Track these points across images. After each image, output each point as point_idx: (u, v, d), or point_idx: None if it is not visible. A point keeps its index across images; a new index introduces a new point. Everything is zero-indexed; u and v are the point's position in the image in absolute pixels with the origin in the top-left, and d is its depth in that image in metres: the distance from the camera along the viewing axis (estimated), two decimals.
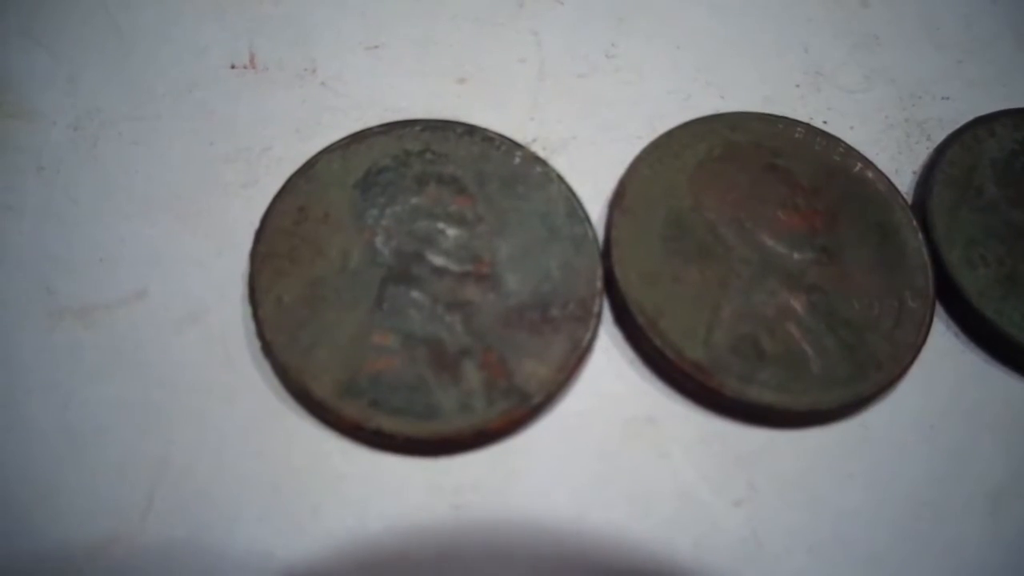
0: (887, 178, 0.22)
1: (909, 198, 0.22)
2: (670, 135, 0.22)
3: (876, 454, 0.19)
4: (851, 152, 0.22)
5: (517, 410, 0.18)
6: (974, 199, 0.22)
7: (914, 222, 0.21)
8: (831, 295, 0.20)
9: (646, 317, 0.19)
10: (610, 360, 0.20)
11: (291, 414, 0.18)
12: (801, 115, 0.23)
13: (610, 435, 0.19)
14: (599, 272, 0.20)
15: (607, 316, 0.20)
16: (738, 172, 0.21)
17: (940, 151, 0.22)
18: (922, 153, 0.23)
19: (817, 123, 0.23)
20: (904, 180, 0.22)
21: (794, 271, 0.20)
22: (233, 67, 0.22)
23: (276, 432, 0.18)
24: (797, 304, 0.20)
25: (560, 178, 0.21)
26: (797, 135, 0.22)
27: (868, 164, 0.22)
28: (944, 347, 0.20)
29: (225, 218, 0.20)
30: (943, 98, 0.24)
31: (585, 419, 0.19)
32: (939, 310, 0.21)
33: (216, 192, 0.20)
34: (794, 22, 0.24)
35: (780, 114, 0.23)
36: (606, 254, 0.20)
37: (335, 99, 0.22)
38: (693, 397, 0.19)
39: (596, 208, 0.21)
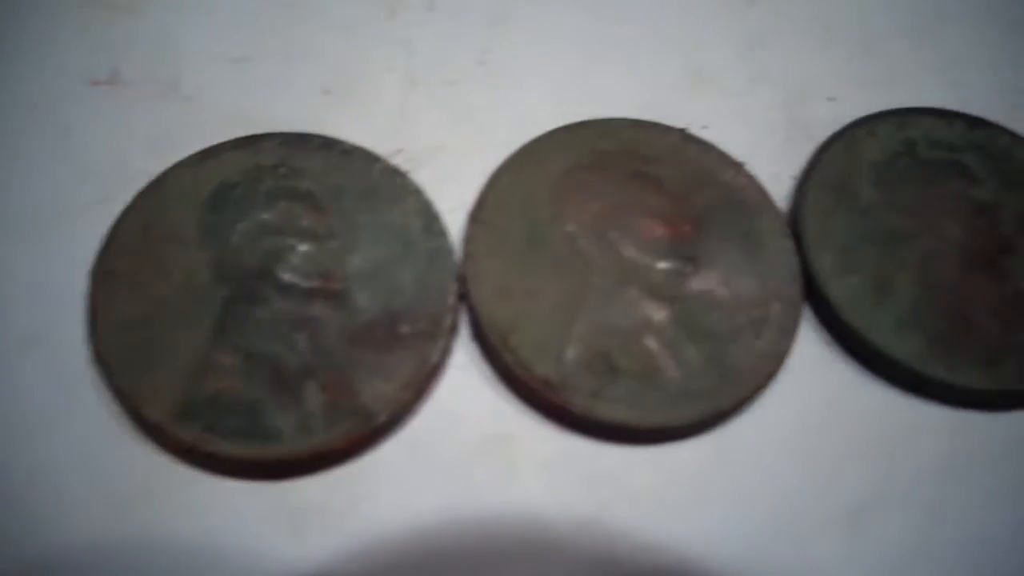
0: (760, 184, 0.21)
1: (787, 203, 0.22)
2: (535, 143, 0.21)
3: (734, 471, 0.18)
4: (724, 158, 0.21)
5: (359, 431, 0.18)
6: (851, 204, 0.21)
7: (786, 229, 0.20)
8: (694, 306, 0.19)
9: (497, 333, 0.19)
10: (466, 377, 0.19)
11: (128, 438, 0.18)
12: (680, 120, 0.22)
13: (461, 455, 0.18)
14: (453, 287, 0.19)
15: (465, 332, 0.20)
16: (604, 181, 0.21)
17: (819, 154, 0.21)
18: (804, 156, 0.22)
19: (696, 128, 0.22)
20: (784, 185, 0.22)
21: (657, 282, 0.20)
22: (94, 83, 0.22)
23: (113, 457, 0.18)
24: (658, 316, 0.19)
25: (419, 190, 0.20)
26: (669, 141, 0.21)
27: (740, 170, 0.21)
28: (814, 358, 0.20)
29: (73, 237, 0.19)
30: (829, 99, 0.23)
31: (435, 439, 0.18)
32: (812, 319, 0.20)
33: (66, 211, 0.20)
34: (678, 24, 0.24)
35: (659, 119, 0.22)
36: (460, 268, 0.20)
37: (197, 113, 0.21)
38: (548, 415, 0.19)
39: (458, 220, 0.20)
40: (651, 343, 0.19)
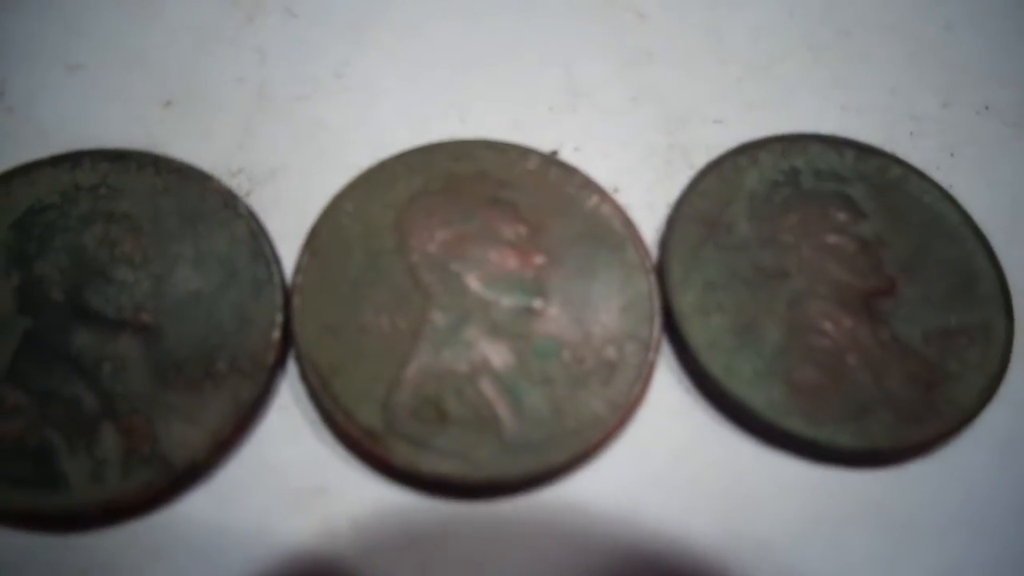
0: (626, 213, 0.19)
1: (659, 234, 0.20)
2: (382, 166, 0.19)
3: (570, 529, 0.17)
4: (589, 184, 0.20)
5: (158, 481, 0.16)
6: (723, 237, 0.19)
7: (648, 263, 0.19)
8: (539, 347, 0.18)
9: (319, 375, 0.17)
10: (288, 421, 0.17)
11: None
12: (550, 141, 0.21)
13: (271, 509, 0.17)
14: (279, 321, 0.18)
15: (293, 371, 0.18)
16: (455, 207, 0.19)
17: (694, 183, 0.20)
18: (682, 183, 0.20)
19: (568, 150, 0.21)
20: (658, 214, 0.20)
21: (500, 320, 0.18)
22: None
23: None
24: (497, 358, 0.18)
25: (251, 214, 0.19)
26: (530, 165, 0.20)
27: (606, 197, 0.19)
28: (670, 405, 0.18)
29: None
30: (715, 121, 0.21)
31: (246, 490, 0.17)
32: (672, 363, 0.19)
33: None
34: (558, 38, 0.22)
35: (528, 140, 0.20)
36: (288, 301, 0.18)
37: (20, 125, 0.20)
38: (371, 465, 0.17)
39: (294, 248, 0.19)
40: (488, 388, 0.17)
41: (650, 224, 0.20)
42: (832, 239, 0.19)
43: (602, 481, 0.17)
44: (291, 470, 0.17)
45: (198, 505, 0.17)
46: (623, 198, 0.20)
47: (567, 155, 0.21)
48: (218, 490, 0.17)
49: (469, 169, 0.20)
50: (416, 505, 0.17)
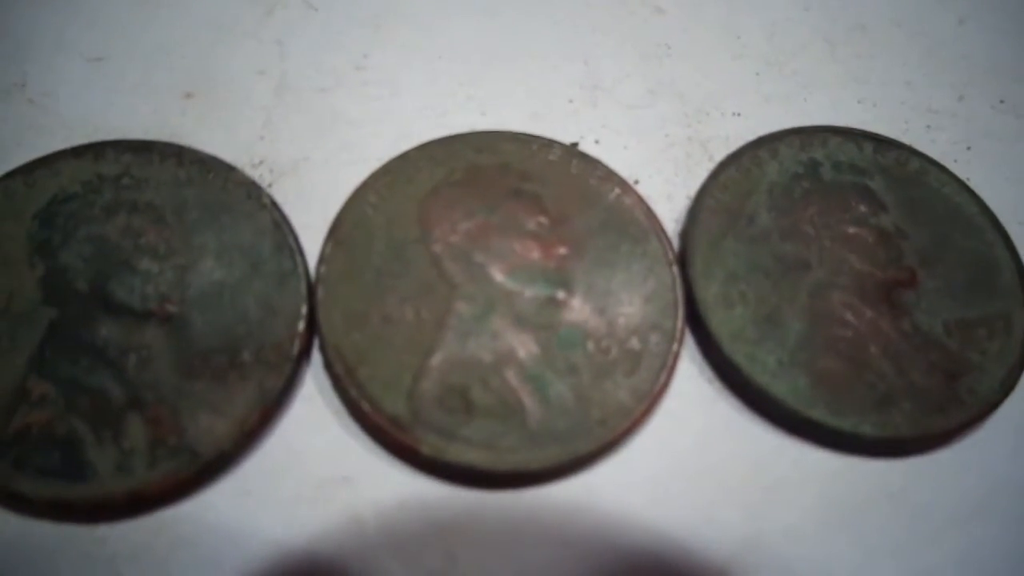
0: (648, 204, 0.19)
1: (680, 226, 0.20)
2: (404, 157, 0.19)
3: (597, 518, 0.17)
4: (611, 176, 0.20)
5: (184, 471, 0.16)
6: (744, 229, 0.19)
7: (671, 254, 0.19)
8: (564, 337, 0.18)
9: (345, 364, 0.17)
10: (312, 411, 0.18)
11: None
12: (570, 134, 0.21)
13: (298, 498, 0.17)
14: (302, 312, 0.18)
15: (317, 361, 0.18)
16: (478, 198, 0.19)
17: (714, 175, 0.20)
18: (702, 175, 0.20)
19: (588, 142, 0.21)
20: (678, 206, 0.20)
21: (524, 310, 0.18)
22: None
23: None
24: (523, 348, 0.18)
25: (275, 205, 0.19)
26: (552, 157, 0.20)
27: (628, 189, 0.20)
28: (693, 395, 0.18)
29: None
30: (734, 114, 0.22)
31: (272, 480, 0.17)
32: (695, 354, 0.19)
33: None
34: (576, 32, 0.22)
35: (549, 132, 0.20)
36: (313, 292, 0.18)
37: (42, 117, 0.20)
38: (397, 454, 0.17)
39: (317, 239, 0.19)
40: (513, 378, 0.17)
41: (671, 216, 0.20)
42: (852, 230, 0.20)
43: (627, 471, 0.17)
44: (316, 460, 0.17)
45: (224, 495, 0.17)
46: (643, 190, 0.20)
47: (587, 148, 0.21)
48: (244, 480, 0.17)
49: (491, 161, 0.20)
50: (441, 495, 0.17)
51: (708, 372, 0.18)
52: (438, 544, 0.17)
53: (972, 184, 0.21)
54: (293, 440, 0.17)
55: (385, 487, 0.17)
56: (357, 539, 0.17)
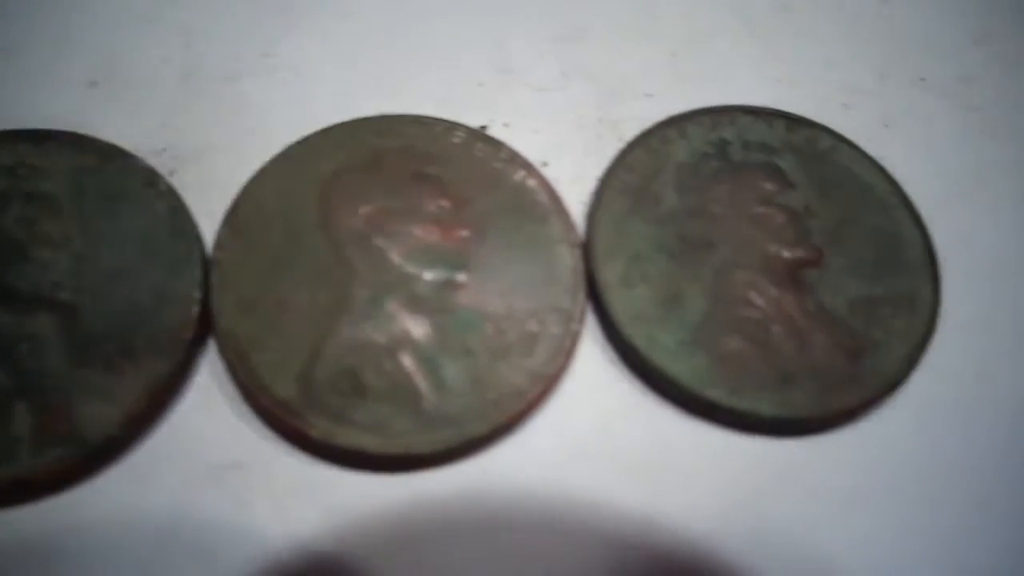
0: (552, 187, 0.19)
1: (587, 207, 0.20)
2: (305, 142, 0.19)
3: (489, 502, 0.17)
4: (515, 158, 0.19)
5: (70, 457, 0.16)
6: (650, 209, 0.19)
7: (574, 236, 0.19)
8: (460, 320, 0.18)
9: (237, 349, 0.17)
10: (207, 398, 0.17)
11: None
12: (479, 117, 0.21)
13: (188, 484, 0.17)
14: (197, 297, 0.18)
15: (214, 348, 0.18)
16: (379, 182, 0.19)
17: (622, 155, 0.20)
18: (611, 157, 0.20)
19: (497, 125, 0.21)
20: (586, 188, 0.20)
21: (420, 293, 0.18)
22: None
23: None
24: (417, 331, 0.18)
25: (172, 192, 0.19)
26: (456, 140, 0.20)
27: (532, 171, 0.19)
28: (594, 377, 0.18)
29: None
30: (647, 95, 0.21)
31: (163, 465, 0.17)
32: (598, 335, 0.19)
33: None
34: (489, 14, 0.22)
35: (458, 115, 0.20)
36: (208, 278, 0.18)
37: None
38: (289, 439, 0.17)
39: (216, 226, 0.19)
40: (407, 361, 0.17)
41: (578, 198, 0.20)
42: (760, 209, 0.19)
43: (524, 454, 0.17)
44: (209, 445, 0.17)
45: (114, 481, 0.17)
46: (552, 172, 0.20)
47: (496, 131, 0.20)
48: (135, 466, 0.17)
49: (394, 144, 0.19)
50: (334, 479, 0.17)
51: (610, 353, 0.18)
52: (330, 529, 0.16)
53: (888, 162, 0.21)
54: (187, 426, 0.17)
55: (277, 472, 0.17)
56: (245, 525, 0.16)
